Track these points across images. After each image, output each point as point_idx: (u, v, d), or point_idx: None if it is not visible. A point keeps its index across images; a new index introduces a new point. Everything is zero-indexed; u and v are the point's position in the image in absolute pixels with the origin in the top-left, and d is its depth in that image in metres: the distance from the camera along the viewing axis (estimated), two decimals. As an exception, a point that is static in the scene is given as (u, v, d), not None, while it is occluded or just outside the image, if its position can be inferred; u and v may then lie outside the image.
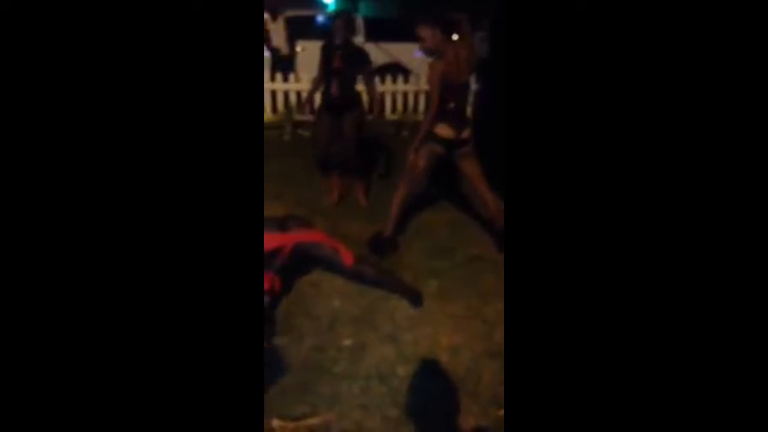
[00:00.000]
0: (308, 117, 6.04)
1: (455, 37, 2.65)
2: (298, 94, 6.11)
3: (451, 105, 2.70)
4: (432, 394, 1.89)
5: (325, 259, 2.40)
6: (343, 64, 3.36)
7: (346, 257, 2.35)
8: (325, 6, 10.62)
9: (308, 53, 6.23)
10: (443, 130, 2.74)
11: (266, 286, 2.16)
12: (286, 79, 6.13)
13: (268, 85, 6.01)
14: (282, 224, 2.38)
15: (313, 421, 1.74)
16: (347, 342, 2.17)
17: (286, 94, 6.14)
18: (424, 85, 6.44)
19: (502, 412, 1.78)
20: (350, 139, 3.50)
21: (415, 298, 2.42)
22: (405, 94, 6.45)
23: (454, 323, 2.30)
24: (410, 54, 6.48)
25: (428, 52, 2.67)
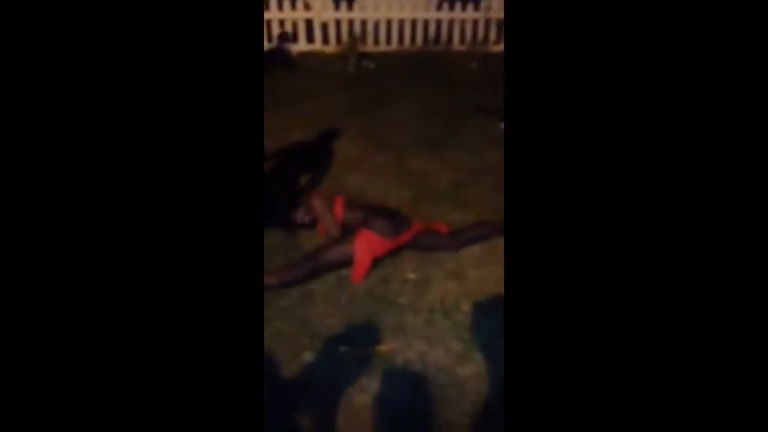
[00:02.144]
0: (373, 48, 5.88)
1: None
2: (363, 23, 5.91)
3: None
4: (497, 331, 1.88)
5: (435, 247, 2.33)
6: None
7: (443, 231, 2.34)
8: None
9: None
10: None
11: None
12: (350, 7, 5.92)
13: (331, 15, 5.84)
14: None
15: (379, 348, 1.79)
16: (411, 276, 2.18)
17: (351, 24, 5.95)
18: (495, 13, 6.03)
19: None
20: None
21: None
22: (475, 23, 6.08)
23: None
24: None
25: None
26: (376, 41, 6.02)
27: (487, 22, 6.04)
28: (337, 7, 5.89)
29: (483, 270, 2.20)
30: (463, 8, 6.01)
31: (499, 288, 2.09)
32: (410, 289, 2.10)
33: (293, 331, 1.86)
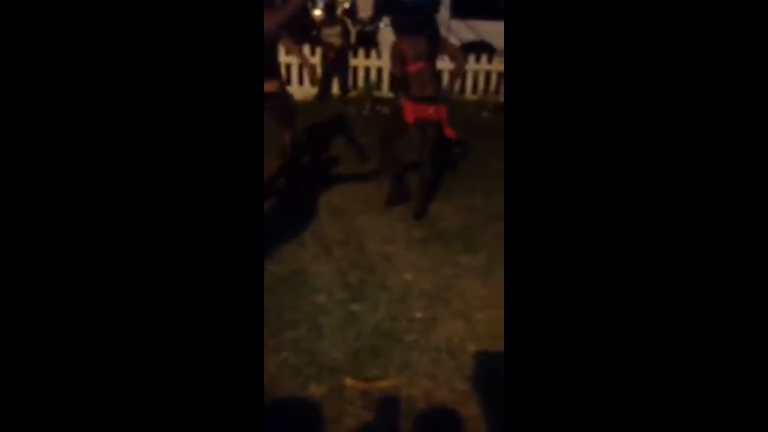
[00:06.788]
0: (387, 94, 6.09)
1: None
2: (379, 70, 6.14)
3: None
4: (502, 375, 1.89)
5: None
6: None
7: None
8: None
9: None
10: None
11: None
12: (368, 56, 6.18)
13: (352, 62, 6.09)
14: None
15: (383, 384, 1.80)
16: (419, 314, 2.21)
17: (367, 71, 6.19)
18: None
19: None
20: None
21: None
22: (488, 74, 6.29)
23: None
24: (496, 32, 6.29)
25: None
26: (391, 88, 6.24)
27: (500, 74, 6.25)
28: (355, 54, 6.14)
29: (489, 312, 2.22)
30: (477, 60, 6.25)
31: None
32: (417, 327, 2.12)
33: (300, 363, 1.88)
